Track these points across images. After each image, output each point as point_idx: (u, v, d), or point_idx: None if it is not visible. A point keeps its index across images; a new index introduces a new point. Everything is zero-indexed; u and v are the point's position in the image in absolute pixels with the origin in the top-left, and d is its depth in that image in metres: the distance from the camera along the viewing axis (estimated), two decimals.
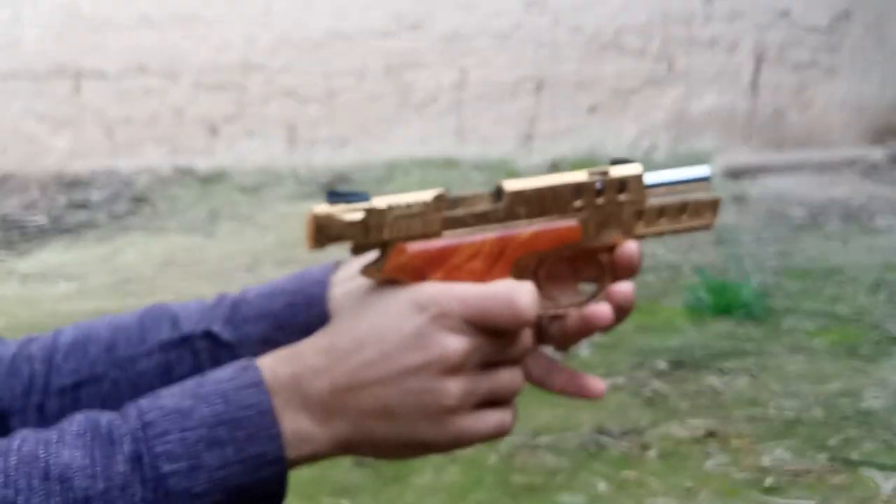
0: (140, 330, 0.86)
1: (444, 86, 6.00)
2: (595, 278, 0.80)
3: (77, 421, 0.70)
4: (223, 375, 0.72)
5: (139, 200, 5.34)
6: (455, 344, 0.71)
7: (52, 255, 4.57)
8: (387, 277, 0.74)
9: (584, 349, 3.16)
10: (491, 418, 0.74)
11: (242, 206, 5.24)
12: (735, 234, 4.56)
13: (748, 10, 6.19)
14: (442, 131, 5.99)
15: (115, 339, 0.86)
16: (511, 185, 0.75)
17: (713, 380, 3.00)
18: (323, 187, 5.37)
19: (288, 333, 0.82)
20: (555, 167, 5.75)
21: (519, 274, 0.75)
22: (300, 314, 0.84)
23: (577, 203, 0.77)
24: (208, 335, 0.84)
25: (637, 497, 2.38)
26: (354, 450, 0.74)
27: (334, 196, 0.71)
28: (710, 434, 2.66)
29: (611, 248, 0.78)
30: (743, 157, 6.00)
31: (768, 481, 2.43)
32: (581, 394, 0.80)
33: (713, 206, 0.82)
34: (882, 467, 2.47)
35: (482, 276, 0.74)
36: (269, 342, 0.81)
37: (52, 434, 0.69)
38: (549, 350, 0.82)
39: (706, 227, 0.82)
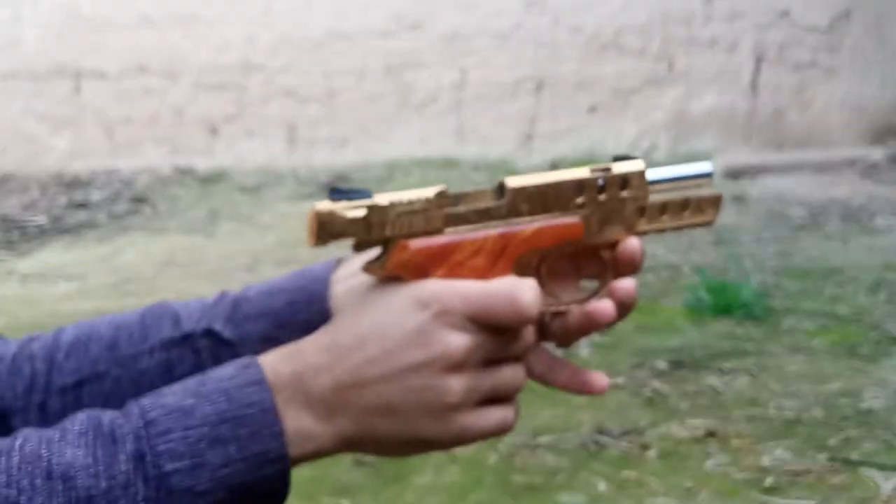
0: (141, 328, 0.86)
1: (444, 86, 6.00)
2: (597, 275, 0.80)
3: (79, 420, 0.70)
4: (225, 373, 0.72)
5: (139, 200, 5.34)
6: (457, 341, 0.71)
7: (52, 255, 4.57)
8: (389, 274, 0.73)
9: (583, 349, 3.16)
10: (493, 415, 0.74)
11: (242, 206, 5.24)
12: (735, 234, 4.56)
13: (748, 10, 6.19)
14: (442, 131, 5.99)
15: (116, 337, 0.86)
16: (513, 181, 0.75)
17: (713, 380, 3.00)
18: (323, 187, 5.37)
19: (289, 331, 0.82)
20: (555, 167, 5.75)
21: (521, 271, 0.75)
22: (301, 312, 0.84)
23: (580, 200, 0.77)
24: (209, 333, 0.85)
25: (637, 497, 2.38)
26: (357, 447, 0.74)
27: (336, 193, 0.71)
28: (710, 434, 2.65)
29: (613, 245, 0.78)
30: (743, 157, 6.00)
31: (768, 481, 2.43)
32: (584, 389, 0.80)
33: (715, 202, 0.82)
34: (882, 467, 2.47)
35: (484, 272, 0.74)
36: (271, 340, 0.81)
37: (54, 433, 0.69)
38: (550, 347, 0.82)
39: (708, 224, 0.82)
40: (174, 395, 0.71)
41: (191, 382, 0.72)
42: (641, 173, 0.79)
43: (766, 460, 2.52)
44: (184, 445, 0.68)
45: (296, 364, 0.72)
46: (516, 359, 0.75)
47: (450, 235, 0.74)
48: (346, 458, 2.49)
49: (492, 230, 0.74)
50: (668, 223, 0.80)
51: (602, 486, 2.43)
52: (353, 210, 0.70)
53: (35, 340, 0.88)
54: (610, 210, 0.78)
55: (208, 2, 5.79)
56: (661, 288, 3.81)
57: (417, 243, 0.73)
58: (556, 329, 0.79)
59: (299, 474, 0.71)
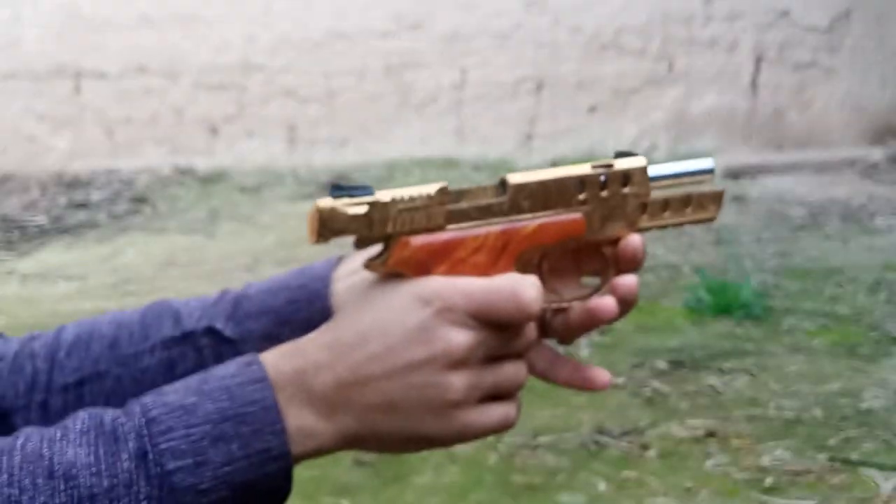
0: (142, 327, 0.86)
1: (444, 86, 6.00)
2: (599, 271, 0.80)
3: (81, 418, 0.70)
4: (227, 371, 0.72)
5: (139, 200, 5.34)
6: (459, 338, 0.71)
7: (52, 255, 4.57)
8: (390, 271, 0.73)
9: (583, 349, 3.16)
10: (495, 412, 0.74)
11: (242, 206, 5.24)
12: (735, 234, 4.56)
13: (748, 11, 6.19)
14: (442, 131, 5.99)
15: (117, 335, 0.86)
16: (515, 178, 0.75)
17: (713, 380, 3.00)
18: (323, 187, 5.37)
19: (290, 329, 0.82)
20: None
21: (523, 267, 0.75)
22: (302, 310, 0.84)
23: (581, 196, 0.77)
24: (210, 331, 0.85)
25: (637, 497, 2.38)
26: (359, 444, 0.74)
27: (338, 190, 0.71)
28: (710, 434, 2.65)
29: (615, 242, 0.78)
30: (743, 157, 6.00)
31: (768, 481, 2.42)
32: (586, 385, 0.79)
33: (717, 198, 0.82)
34: (882, 467, 2.47)
35: (486, 269, 0.74)
36: (272, 338, 0.81)
37: (55, 432, 0.69)
38: (552, 344, 0.82)
39: (710, 220, 0.82)
40: (176, 393, 0.71)
41: (192, 380, 0.72)
42: (643, 169, 0.78)
43: (765, 460, 2.52)
44: (186, 443, 0.68)
45: (297, 362, 0.72)
46: (518, 355, 0.75)
47: (451, 232, 0.73)
48: (347, 458, 2.49)
49: (493, 227, 0.74)
50: (669, 219, 0.80)
51: (602, 486, 2.43)
52: (355, 207, 0.70)
53: (36, 339, 0.88)
54: (612, 206, 0.77)
55: (208, 2, 5.79)
56: (661, 288, 3.81)
57: (419, 240, 0.73)
58: (557, 326, 0.79)
59: (299, 474, 0.71)
